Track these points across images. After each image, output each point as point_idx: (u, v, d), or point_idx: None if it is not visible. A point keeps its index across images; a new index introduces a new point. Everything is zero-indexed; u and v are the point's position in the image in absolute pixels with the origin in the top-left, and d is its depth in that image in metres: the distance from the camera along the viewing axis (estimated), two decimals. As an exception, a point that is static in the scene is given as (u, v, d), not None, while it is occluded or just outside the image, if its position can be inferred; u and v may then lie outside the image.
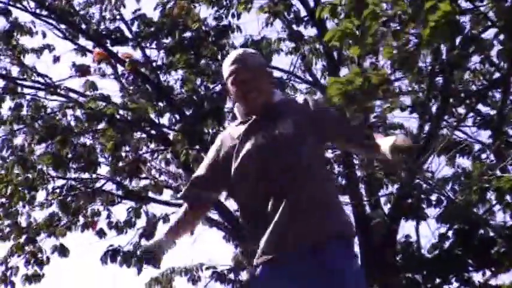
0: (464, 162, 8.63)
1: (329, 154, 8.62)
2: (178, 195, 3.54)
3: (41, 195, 10.08)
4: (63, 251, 10.31)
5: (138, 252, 3.34)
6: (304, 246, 3.04)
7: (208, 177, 3.39)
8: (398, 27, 4.60)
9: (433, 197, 8.33)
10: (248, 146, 3.25)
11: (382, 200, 8.91)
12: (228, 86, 3.37)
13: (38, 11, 9.92)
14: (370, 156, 3.91)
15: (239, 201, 3.34)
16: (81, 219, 10.36)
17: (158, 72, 9.71)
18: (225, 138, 3.40)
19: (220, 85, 9.24)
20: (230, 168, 3.28)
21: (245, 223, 3.28)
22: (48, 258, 10.45)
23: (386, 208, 8.72)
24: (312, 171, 3.17)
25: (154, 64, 9.70)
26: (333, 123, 3.38)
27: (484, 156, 8.34)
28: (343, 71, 9.26)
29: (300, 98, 3.42)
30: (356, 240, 9.19)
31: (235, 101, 3.40)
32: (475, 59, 8.03)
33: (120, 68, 10.01)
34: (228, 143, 3.35)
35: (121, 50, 9.79)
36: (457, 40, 6.36)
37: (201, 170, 3.43)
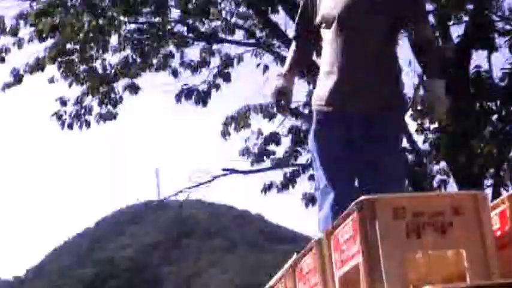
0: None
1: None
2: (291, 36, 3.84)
3: (114, 40, 10.29)
4: (134, 88, 10.70)
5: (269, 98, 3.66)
6: (367, 112, 3.39)
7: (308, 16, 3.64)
8: None
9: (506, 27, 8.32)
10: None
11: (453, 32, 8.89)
12: None
13: None
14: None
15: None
16: (154, 61, 10.60)
17: None
18: None
19: None
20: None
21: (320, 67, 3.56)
22: (121, 98, 10.82)
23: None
24: (388, 44, 3.49)
25: None
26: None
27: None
28: None
29: None
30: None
31: None
32: None
33: None
34: None
35: None
36: None
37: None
